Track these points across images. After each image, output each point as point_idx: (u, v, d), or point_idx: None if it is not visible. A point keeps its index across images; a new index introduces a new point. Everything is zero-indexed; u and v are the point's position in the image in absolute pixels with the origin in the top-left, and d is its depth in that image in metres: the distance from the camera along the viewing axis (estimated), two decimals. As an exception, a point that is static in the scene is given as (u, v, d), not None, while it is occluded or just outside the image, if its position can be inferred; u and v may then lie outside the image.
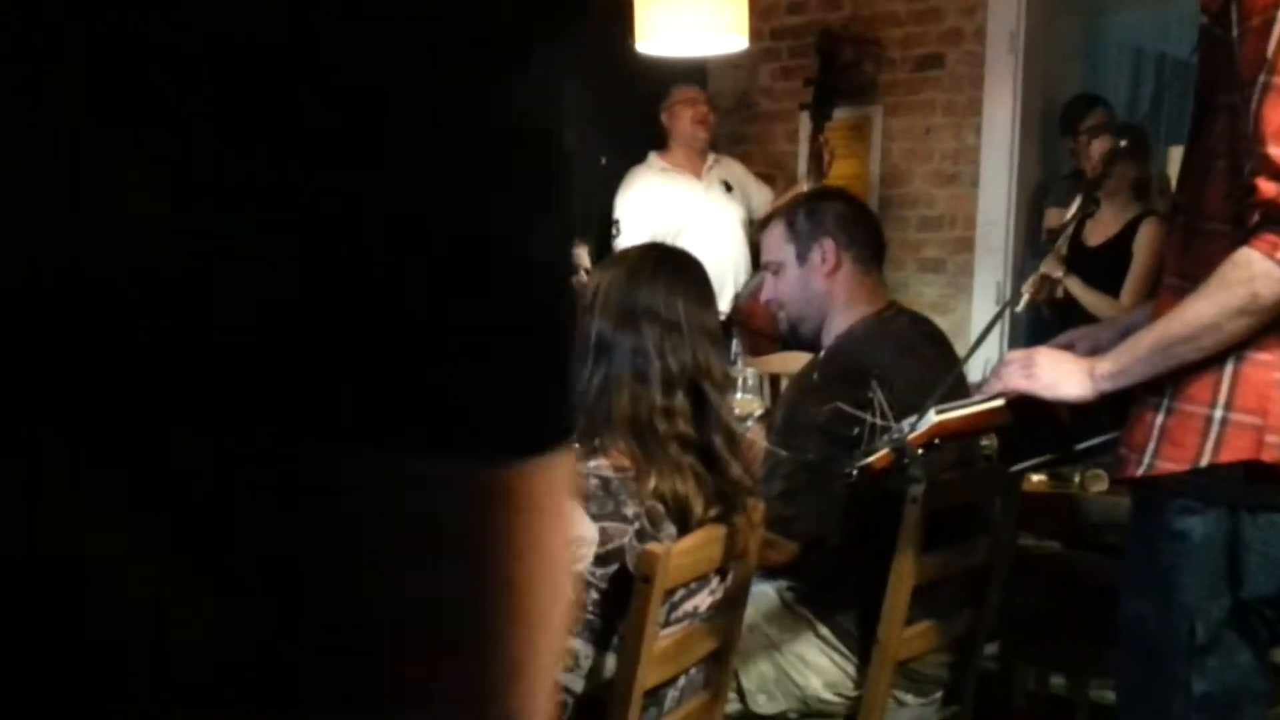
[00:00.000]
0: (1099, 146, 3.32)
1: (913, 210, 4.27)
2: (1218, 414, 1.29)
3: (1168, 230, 1.71)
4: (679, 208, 4.09)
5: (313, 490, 0.26)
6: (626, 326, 1.50)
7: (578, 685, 1.44)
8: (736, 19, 3.30)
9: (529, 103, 0.27)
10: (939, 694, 1.91)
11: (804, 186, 3.87)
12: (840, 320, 1.98)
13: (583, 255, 4.03)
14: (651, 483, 1.42)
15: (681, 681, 1.56)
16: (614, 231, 4.53)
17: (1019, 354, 1.54)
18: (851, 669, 1.82)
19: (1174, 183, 2.20)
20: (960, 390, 1.75)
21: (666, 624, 1.47)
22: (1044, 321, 3.48)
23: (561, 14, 0.28)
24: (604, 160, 4.98)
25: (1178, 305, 1.34)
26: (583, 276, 3.96)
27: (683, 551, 1.40)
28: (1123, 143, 3.04)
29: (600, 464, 1.42)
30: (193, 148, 0.24)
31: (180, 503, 0.25)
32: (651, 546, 1.36)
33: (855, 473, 1.56)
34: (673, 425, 1.45)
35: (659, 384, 1.46)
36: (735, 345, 2.88)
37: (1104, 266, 3.44)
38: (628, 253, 1.79)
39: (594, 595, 1.43)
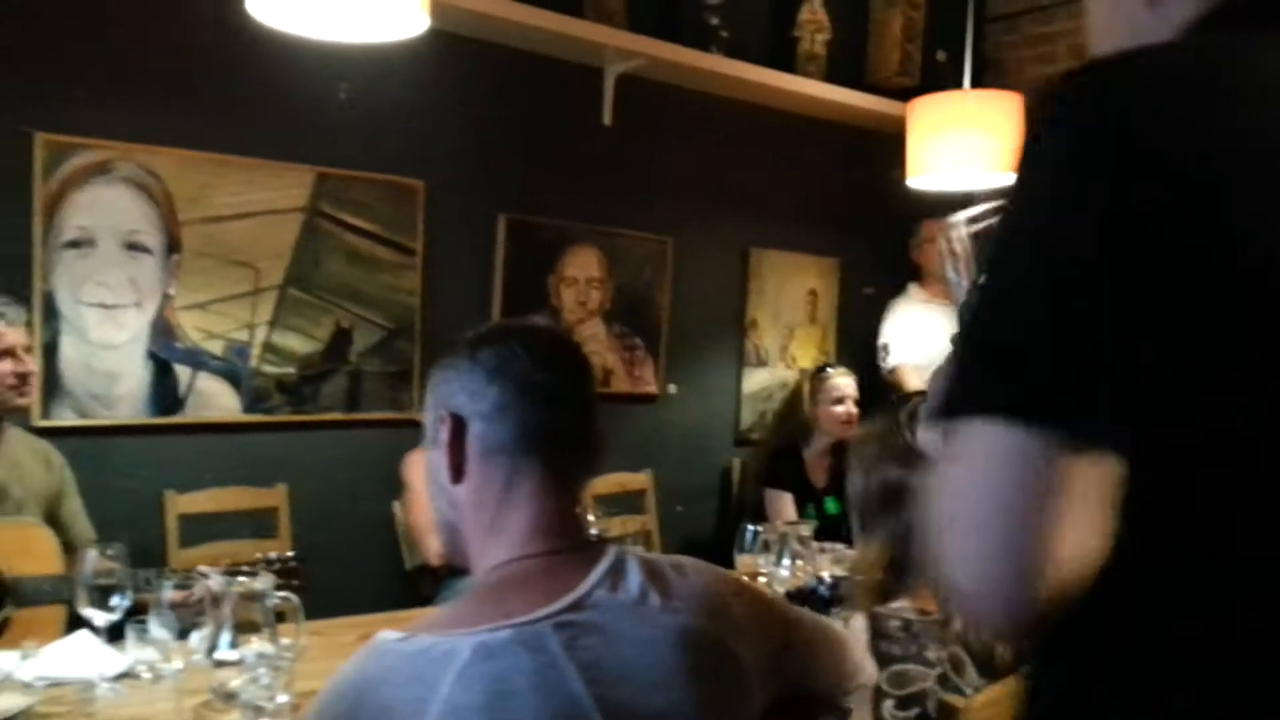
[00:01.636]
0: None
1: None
2: None
3: None
4: (941, 335, 4.12)
5: None
6: (921, 468, 1.55)
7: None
8: (1003, 153, 3.36)
9: None
10: None
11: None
12: None
13: (850, 385, 4.12)
14: (956, 626, 1.45)
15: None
16: (882, 355, 4.62)
17: None
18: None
19: None
20: None
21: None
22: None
23: None
24: (869, 291, 5.08)
25: None
26: (851, 408, 4.04)
27: (987, 704, 1.41)
28: None
29: (904, 606, 1.47)
30: None
31: None
32: (952, 699, 1.39)
33: None
34: None
35: None
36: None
37: None
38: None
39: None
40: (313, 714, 1.06)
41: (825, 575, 2.69)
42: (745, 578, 2.63)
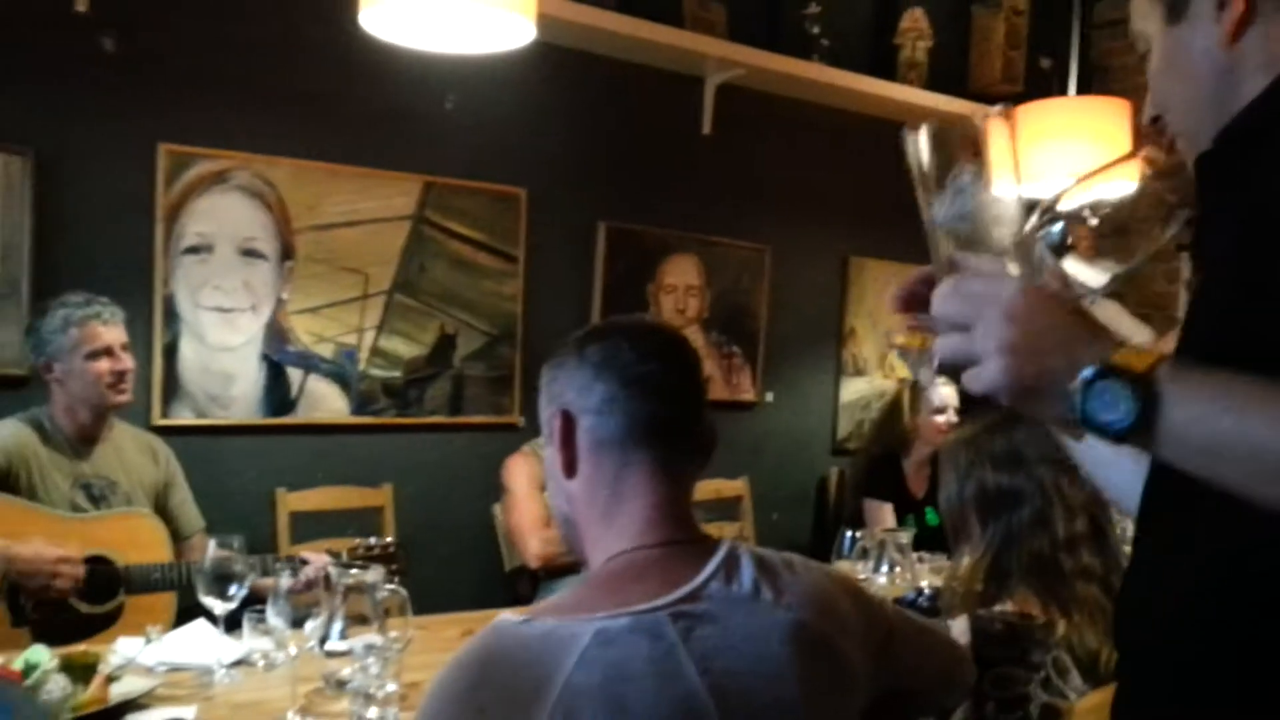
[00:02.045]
0: None
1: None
2: None
3: None
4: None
5: None
6: (1018, 471, 1.55)
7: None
8: (1110, 159, 3.29)
9: None
10: None
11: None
12: None
13: (951, 395, 4.06)
14: (1060, 630, 1.44)
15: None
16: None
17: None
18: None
19: None
20: None
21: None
22: None
23: None
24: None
25: None
26: (951, 418, 4.00)
27: (1091, 709, 1.40)
28: None
29: (1006, 609, 1.46)
30: None
31: None
32: (1056, 702, 1.38)
33: None
34: (1077, 560, 1.48)
35: (1061, 519, 1.49)
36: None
37: None
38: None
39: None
40: (434, 691, 1.09)
41: (924, 585, 2.67)
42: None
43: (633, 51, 4.11)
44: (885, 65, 4.70)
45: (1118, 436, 0.81)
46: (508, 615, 1.13)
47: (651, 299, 4.41)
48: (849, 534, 2.69)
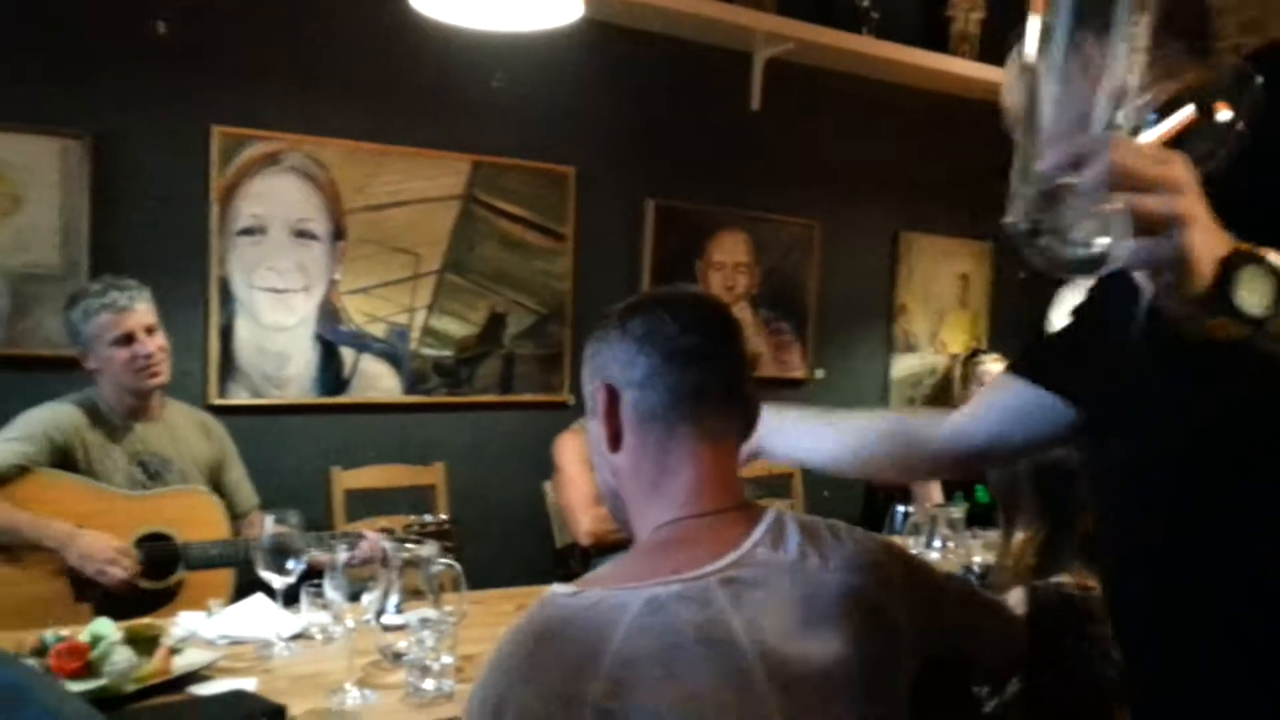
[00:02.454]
0: None
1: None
2: None
3: None
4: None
5: None
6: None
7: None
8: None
9: None
10: None
11: None
12: None
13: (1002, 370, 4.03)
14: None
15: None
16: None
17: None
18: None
19: None
20: None
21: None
22: None
23: None
24: (1023, 275, 4.94)
25: None
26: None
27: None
28: None
29: (1064, 580, 1.45)
30: None
31: None
32: (1113, 675, 1.37)
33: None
34: None
35: None
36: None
37: None
38: None
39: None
40: (491, 662, 1.10)
41: (976, 561, 2.66)
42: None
43: (681, 27, 4.09)
44: (937, 38, 4.65)
45: (1256, 322, 0.81)
46: (559, 587, 1.14)
47: (700, 276, 4.40)
48: (900, 509, 2.68)
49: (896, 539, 2.66)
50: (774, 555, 1.16)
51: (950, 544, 2.71)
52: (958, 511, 2.81)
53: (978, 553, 2.78)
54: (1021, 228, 0.84)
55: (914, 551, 2.65)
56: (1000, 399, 1.37)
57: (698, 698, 1.04)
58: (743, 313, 4.51)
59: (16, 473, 2.64)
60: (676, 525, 1.19)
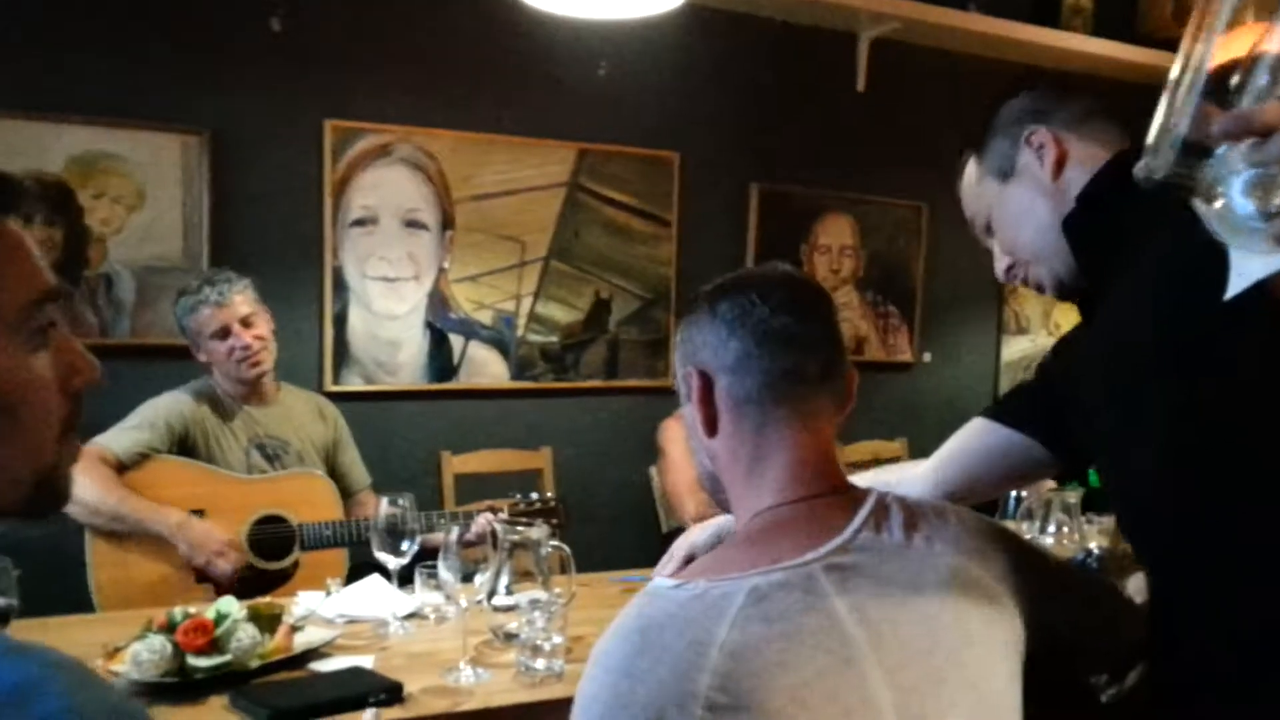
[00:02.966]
0: None
1: None
2: None
3: None
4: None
5: None
6: None
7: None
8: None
9: None
10: None
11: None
12: None
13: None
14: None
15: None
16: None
17: None
18: None
19: None
20: None
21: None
22: None
23: None
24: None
25: None
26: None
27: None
28: None
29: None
30: None
31: None
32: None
33: None
34: None
35: None
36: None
37: None
38: None
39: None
40: (596, 659, 1.09)
41: (1093, 547, 2.60)
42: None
43: (784, 9, 4.06)
44: (1048, 13, 4.52)
45: None
46: (661, 580, 1.13)
47: (805, 259, 4.37)
48: (1013, 493, 2.63)
49: (1010, 524, 2.61)
50: (878, 539, 1.15)
51: (1065, 529, 2.64)
52: (1073, 496, 2.74)
53: (1093, 538, 2.71)
54: (1156, 178, 0.88)
55: (1027, 537, 2.60)
56: (975, 443, 1.58)
57: (807, 685, 1.03)
58: (848, 296, 4.46)
59: (138, 460, 2.75)
60: (776, 511, 1.18)
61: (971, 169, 1.47)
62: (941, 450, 1.67)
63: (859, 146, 4.41)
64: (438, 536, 2.20)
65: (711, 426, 1.23)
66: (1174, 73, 0.92)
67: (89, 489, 2.63)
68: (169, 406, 2.85)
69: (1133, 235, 1.22)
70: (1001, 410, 1.55)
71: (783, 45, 4.20)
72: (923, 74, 4.45)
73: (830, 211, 4.40)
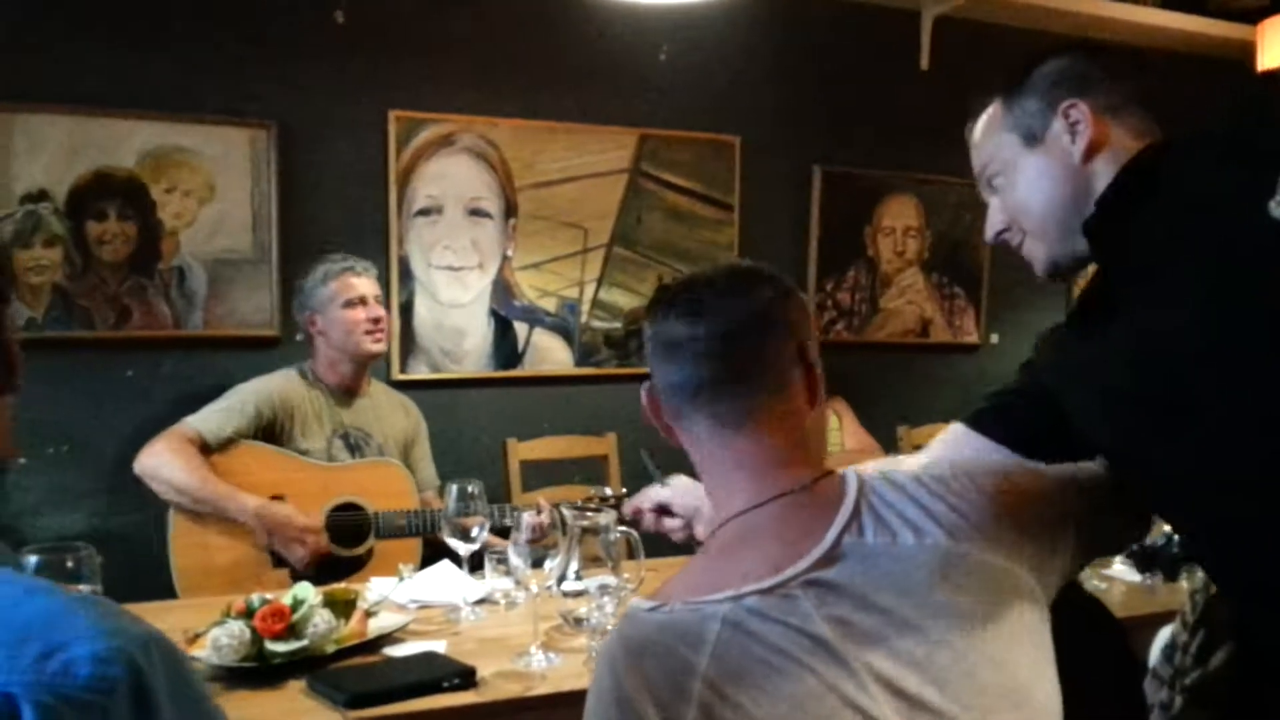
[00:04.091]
0: None
1: None
2: None
3: None
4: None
5: None
6: None
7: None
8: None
9: None
10: None
11: None
12: None
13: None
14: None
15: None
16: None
17: None
18: None
19: None
20: None
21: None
22: None
23: None
24: None
25: None
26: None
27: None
28: None
29: None
30: None
31: None
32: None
33: None
34: None
35: None
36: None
37: None
38: None
39: None
40: (591, 689, 1.07)
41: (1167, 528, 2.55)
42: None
43: (844, -11, 4.02)
44: (1116, -15, 4.43)
45: None
46: (638, 602, 1.10)
47: (869, 241, 4.33)
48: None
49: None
50: (860, 542, 1.09)
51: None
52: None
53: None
54: None
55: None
56: (955, 453, 1.45)
57: (800, 709, 1.00)
58: (913, 278, 4.42)
59: (225, 443, 2.81)
60: (745, 518, 1.14)
61: (994, 116, 1.37)
62: (923, 457, 1.56)
63: (923, 126, 4.34)
64: (501, 540, 2.23)
65: (674, 439, 1.22)
66: None
67: (176, 470, 2.70)
68: (260, 391, 2.91)
69: (1161, 239, 1.16)
70: (979, 418, 1.45)
71: (844, 25, 4.15)
72: (987, 51, 4.37)
73: (894, 192, 4.35)
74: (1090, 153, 1.25)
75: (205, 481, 2.73)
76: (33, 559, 1.46)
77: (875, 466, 1.18)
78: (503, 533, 2.59)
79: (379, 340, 3.01)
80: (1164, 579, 2.53)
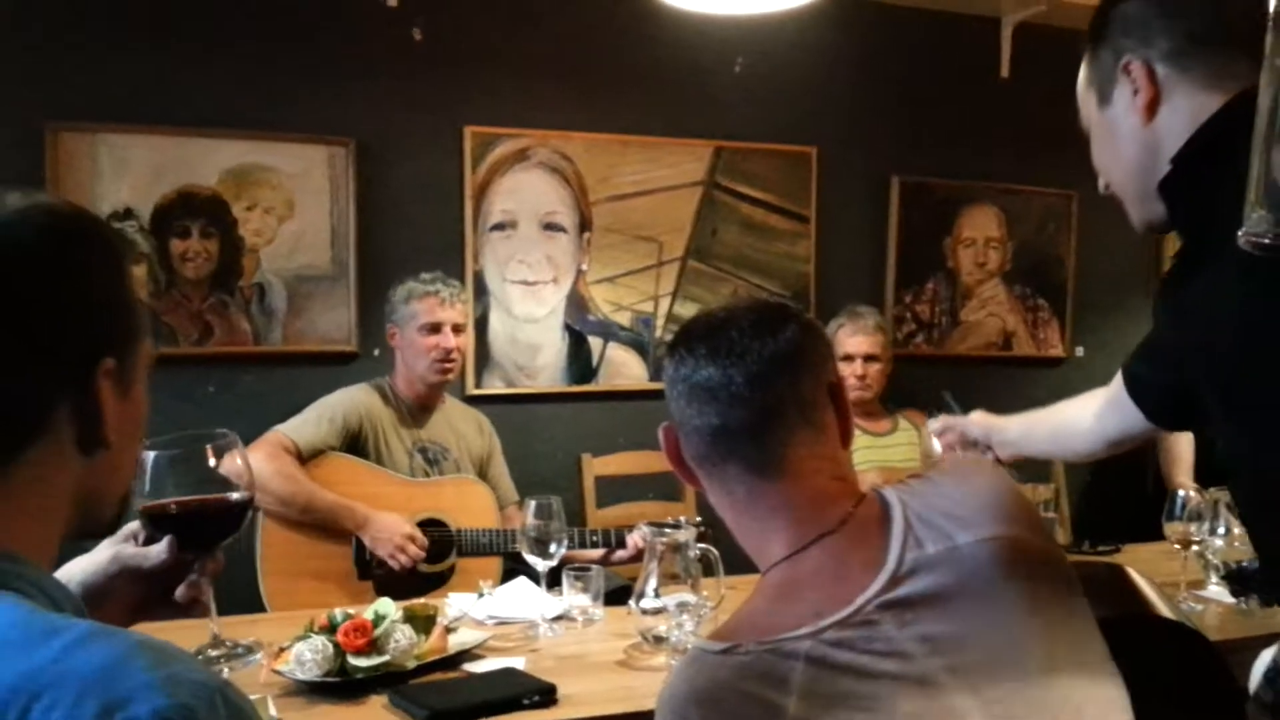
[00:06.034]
0: None
1: None
2: None
3: None
4: None
5: None
6: None
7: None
8: None
9: None
10: None
11: None
12: None
13: None
14: None
15: None
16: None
17: None
18: None
19: None
20: None
21: None
22: None
23: None
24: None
25: None
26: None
27: None
28: None
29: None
30: None
31: None
32: None
33: None
34: None
35: None
36: None
37: None
38: None
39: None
40: None
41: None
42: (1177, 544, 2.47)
43: (922, -3, 3.96)
44: (1202, -12, 4.32)
45: None
46: (704, 644, 1.06)
47: (949, 253, 4.26)
48: (1180, 493, 2.50)
49: (1177, 525, 2.48)
50: (922, 553, 1.07)
51: (1236, 530, 2.50)
52: (1243, 496, 2.59)
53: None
54: (1266, 242, 0.84)
55: (1196, 539, 2.48)
56: (1122, 395, 1.63)
57: None
58: (994, 290, 4.34)
59: (314, 454, 2.83)
60: (793, 561, 1.10)
61: (1084, 69, 1.34)
62: (1100, 400, 1.81)
63: (1003, 134, 4.28)
64: (586, 552, 2.21)
65: (693, 483, 1.19)
66: (1259, 128, 0.85)
67: (280, 481, 2.72)
68: (347, 404, 2.93)
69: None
70: (1127, 369, 1.54)
71: (922, 33, 4.09)
72: (1069, 58, 4.27)
73: (975, 202, 4.28)
74: (1150, 112, 1.20)
75: (314, 494, 2.75)
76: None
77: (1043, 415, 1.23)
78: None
79: (447, 372, 2.99)
80: (1260, 603, 2.44)
